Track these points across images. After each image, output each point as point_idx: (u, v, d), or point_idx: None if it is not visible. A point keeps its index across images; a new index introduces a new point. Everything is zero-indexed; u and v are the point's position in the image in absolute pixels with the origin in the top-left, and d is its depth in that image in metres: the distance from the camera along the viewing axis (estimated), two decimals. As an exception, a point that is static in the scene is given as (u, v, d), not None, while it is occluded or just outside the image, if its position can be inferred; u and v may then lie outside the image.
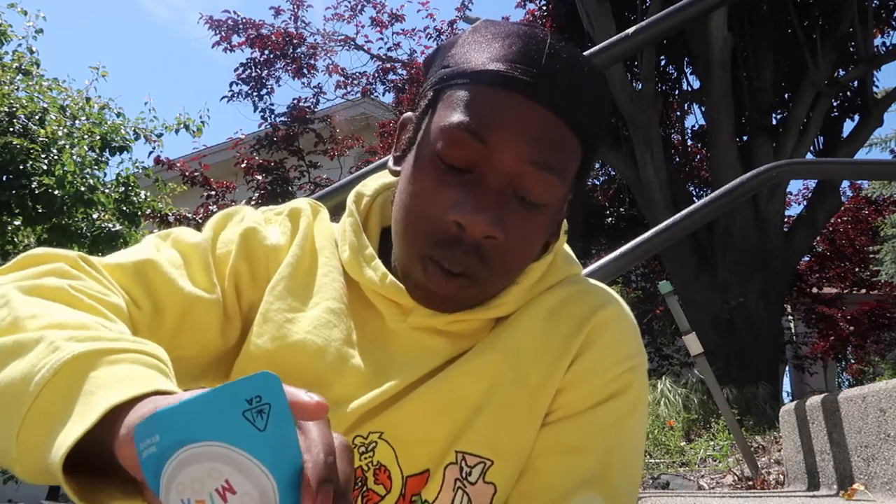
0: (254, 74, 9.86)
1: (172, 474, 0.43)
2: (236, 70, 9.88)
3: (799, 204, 10.73)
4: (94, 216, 7.38)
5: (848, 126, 7.57)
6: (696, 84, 8.05)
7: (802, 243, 7.18)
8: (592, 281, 0.87)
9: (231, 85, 9.89)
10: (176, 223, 7.51)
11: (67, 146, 7.29)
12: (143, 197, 7.96)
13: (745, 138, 7.25)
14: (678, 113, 8.88)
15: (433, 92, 0.75)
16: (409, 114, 0.81)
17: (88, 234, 7.30)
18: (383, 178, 0.88)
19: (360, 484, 0.75)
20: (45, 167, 6.97)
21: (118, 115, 8.26)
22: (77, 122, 7.76)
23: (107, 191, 7.63)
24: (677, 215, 2.46)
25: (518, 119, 0.70)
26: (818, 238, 9.32)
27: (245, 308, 0.79)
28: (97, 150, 7.80)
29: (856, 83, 7.36)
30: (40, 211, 6.97)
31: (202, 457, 0.43)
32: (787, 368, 10.09)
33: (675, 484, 3.16)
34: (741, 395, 5.24)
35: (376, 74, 10.96)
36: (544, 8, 8.51)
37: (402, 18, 10.91)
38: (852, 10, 6.48)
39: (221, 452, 0.43)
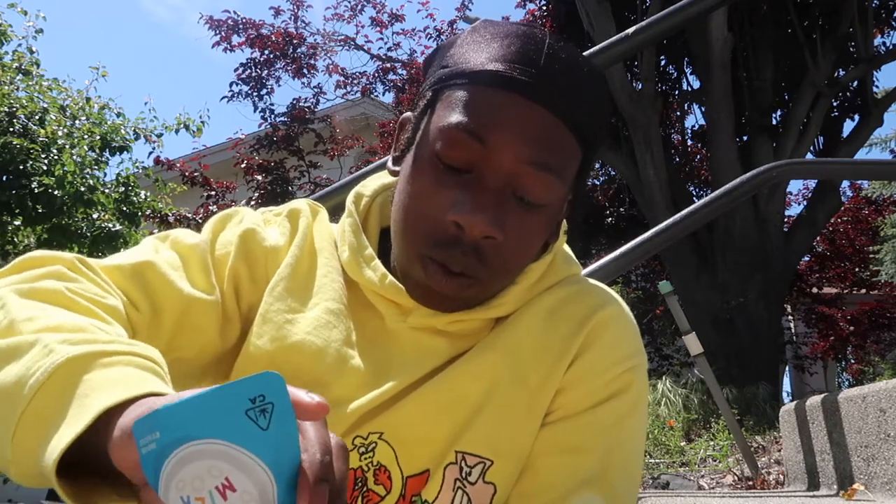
0: (254, 74, 9.86)
1: (172, 471, 0.43)
2: (236, 70, 9.89)
3: (799, 204, 10.74)
4: (94, 216, 7.37)
5: (848, 126, 7.58)
6: (696, 84, 8.06)
7: (802, 243, 7.18)
8: (592, 281, 0.87)
9: (231, 85, 9.90)
10: (176, 223, 7.51)
11: (67, 146, 7.29)
12: (143, 197, 7.95)
13: (745, 138, 7.25)
14: (678, 113, 8.89)
15: (432, 92, 0.75)
16: (408, 114, 0.81)
17: (88, 234, 7.29)
18: (382, 178, 0.88)
19: (360, 484, 0.75)
20: (45, 167, 6.96)
21: (118, 115, 8.25)
22: (77, 122, 7.76)
23: (107, 191, 7.63)
24: (677, 215, 2.46)
25: (517, 119, 0.70)
26: (818, 238, 9.32)
27: (244, 309, 0.79)
28: (97, 150, 7.80)
29: (856, 83, 7.36)
30: (40, 211, 6.96)
31: (203, 454, 0.43)
32: (787, 368, 10.09)
33: (675, 484, 3.16)
34: (741, 395, 5.24)
35: (376, 74, 10.96)
36: (544, 8, 8.51)
37: (402, 18, 10.92)
38: (852, 10, 6.48)
39: (222, 450, 0.43)
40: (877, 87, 7.65)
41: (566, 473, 0.76)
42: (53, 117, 7.56)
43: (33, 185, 6.83)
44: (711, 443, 3.84)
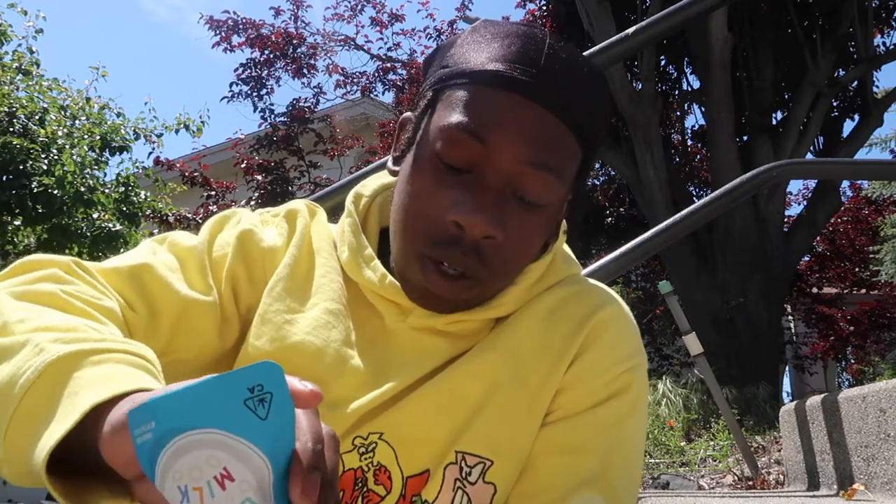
0: (254, 74, 9.86)
1: (169, 462, 0.43)
2: (236, 70, 9.89)
3: (799, 204, 10.74)
4: (94, 216, 7.38)
5: (848, 126, 7.59)
6: (696, 84, 8.06)
7: (802, 243, 7.18)
8: (592, 281, 0.87)
9: (231, 85, 9.90)
10: (176, 223, 7.51)
11: (67, 146, 7.30)
12: (143, 197, 7.96)
13: (745, 138, 7.25)
14: (678, 113, 8.89)
15: (432, 92, 0.75)
16: (408, 114, 0.81)
17: (88, 234, 7.30)
18: (382, 178, 0.88)
19: (360, 484, 0.75)
20: (45, 167, 6.97)
21: (118, 115, 8.26)
22: (77, 122, 7.76)
23: (107, 191, 7.64)
24: (677, 215, 2.46)
25: (517, 119, 0.70)
26: (818, 238, 9.32)
27: (243, 310, 0.79)
28: (97, 150, 7.80)
29: (856, 83, 7.36)
30: (40, 211, 6.97)
31: (200, 444, 0.43)
32: (787, 368, 10.09)
33: (675, 484, 3.16)
34: (741, 395, 5.24)
35: (376, 74, 10.96)
36: (544, 8, 8.51)
37: (402, 18, 10.92)
38: (852, 10, 6.48)
39: (220, 440, 0.43)
40: (877, 87, 7.66)
41: (566, 473, 0.76)
42: (53, 117, 7.56)
43: (33, 185, 6.84)
44: (711, 443, 3.84)
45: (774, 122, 7.36)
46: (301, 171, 8.25)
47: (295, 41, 10.06)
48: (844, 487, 1.99)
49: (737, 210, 6.13)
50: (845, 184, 10.08)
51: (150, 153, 9.07)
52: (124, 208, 7.73)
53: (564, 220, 0.83)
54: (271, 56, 9.93)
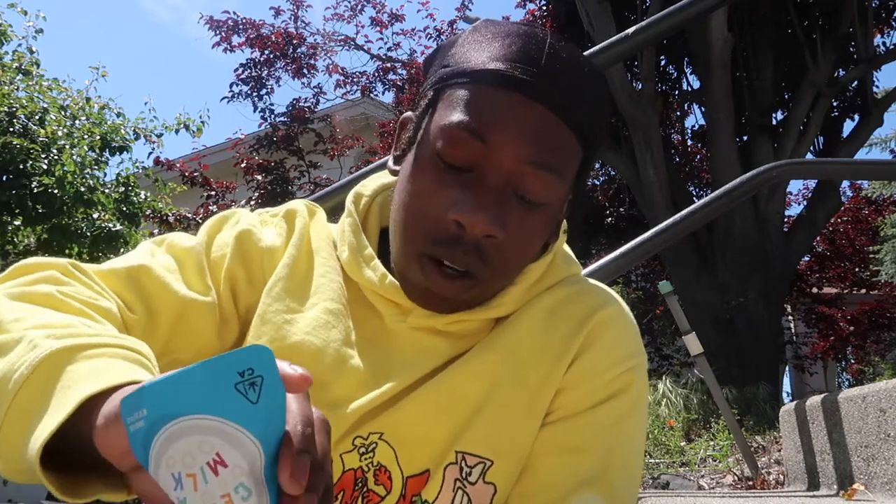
0: (254, 74, 9.86)
1: (161, 448, 0.43)
2: (236, 70, 9.89)
3: (799, 204, 10.74)
4: (94, 216, 7.37)
5: (848, 126, 7.59)
6: (696, 84, 8.06)
7: (802, 243, 7.18)
8: (592, 281, 0.87)
9: (231, 86, 9.89)
10: (176, 223, 7.51)
11: (67, 146, 7.29)
12: (143, 197, 7.95)
13: (745, 138, 7.25)
14: (678, 113, 8.89)
15: (433, 91, 0.75)
16: (409, 113, 0.81)
17: (88, 234, 7.29)
18: (382, 178, 0.88)
19: (360, 484, 0.75)
20: (45, 167, 6.97)
21: (118, 115, 8.26)
22: (77, 122, 7.76)
23: (107, 191, 7.63)
24: (677, 215, 2.46)
25: (518, 118, 0.70)
26: (818, 238, 9.32)
27: (242, 310, 0.79)
28: (97, 150, 7.80)
29: (856, 83, 7.36)
30: (40, 211, 6.97)
31: (192, 430, 0.43)
32: (787, 368, 10.09)
33: (675, 484, 3.16)
34: (741, 395, 5.24)
35: (376, 74, 10.95)
36: (544, 8, 8.51)
37: (402, 18, 10.91)
38: (852, 10, 6.49)
39: (212, 425, 0.43)
40: (877, 87, 7.66)
41: (566, 473, 0.76)
42: (53, 117, 7.56)
43: (33, 185, 6.83)
44: (711, 443, 3.84)
45: (774, 122, 7.36)
46: (301, 171, 8.25)
47: (295, 41, 10.06)
48: (844, 487, 1.99)
49: (737, 210, 6.13)
50: (845, 184, 10.09)
51: (150, 153, 9.07)
52: (124, 208, 7.73)
53: (565, 220, 0.83)
54: (271, 56, 9.93)
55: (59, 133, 7.31)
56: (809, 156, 7.06)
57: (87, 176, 7.48)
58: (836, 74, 7.12)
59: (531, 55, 0.71)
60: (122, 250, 7.21)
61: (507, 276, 0.78)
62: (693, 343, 2.98)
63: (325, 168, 8.39)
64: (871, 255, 8.17)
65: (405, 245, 0.75)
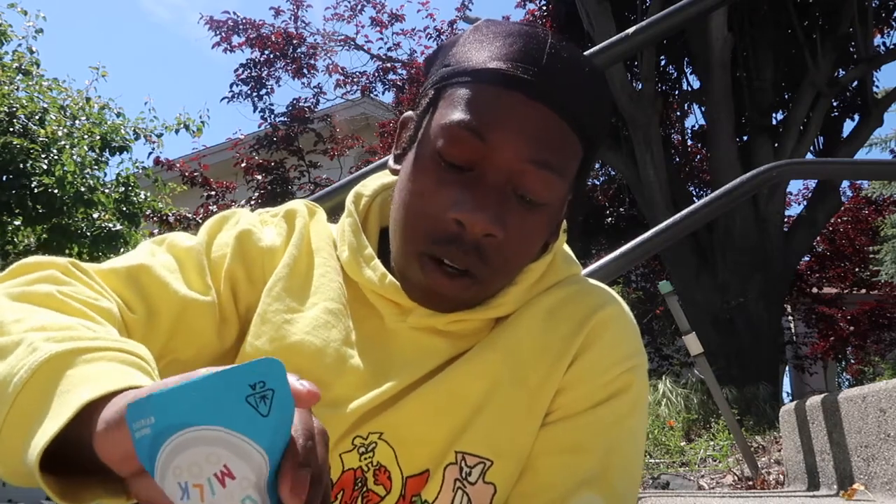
0: (253, 74, 9.86)
1: (169, 457, 0.43)
2: (236, 71, 9.89)
3: (799, 204, 10.73)
4: (94, 216, 7.38)
5: (848, 126, 7.58)
6: (696, 84, 8.05)
7: (802, 243, 7.18)
8: (592, 281, 0.87)
9: (231, 86, 9.89)
10: (176, 223, 7.51)
11: (67, 146, 7.30)
12: (143, 197, 7.96)
13: (745, 138, 7.25)
14: (678, 113, 8.88)
15: (434, 90, 0.75)
16: (409, 113, 0.81)
17: (88, 234, 7.30)
18: (382, 178, 0.88)
19: (360, 484, 0.75)
20: (45, 167, 6.97)
21: (118, 115, 8.27)
22: (77, 122, 7.77)
23: (107, 191, 7.64)
24: (677, 215, 2.46)
25: (518, 117, 0.70)
26: (818, 238, 9.32)
27: (242, 310, 0.79)
28: (97, 150, 7.81)
29: (856, 83, 7.36)
30: (40, 211, 6.97)
31: (200, 440, 0.43)
32: (787, 368, 10.10)
33: (675, 484, 3.16)
34: (741, 395, 5.24)
35: (376, 74, 10.95)
36: (544, 8, 8.51)
37: (402, 18, 10.91)
38: (852, 10, 6.48)
39: (221, 437, 0.43)
40: (877, 87, 7.66)
41: (566, 473, 0.76)
42: (53, 117, 7.57)
43: (33, 185, 6.84)
44: (711, 443, 3.84)
45: (774, 122, 7.35)
46: (301, 171, 8.26)
47: (295, 41, 10.06)
48: (844, 487, 1.99)
49: (737, 210, 6.13)
50: (845, 184, 10.09)
51: (150, 153, 9.08)
52: (124, 208, 7.74)
53: (565, 220, 0.83)
54: (271, 56, 9.93)
55: (59, 133, 7.32)
56: (809, 156, 7.06)
57: (87, 176, 7.49)
58: (836, 74, 7.12)
59: (532, 55, 0.71)
60: (122, 250, 7.22)
61: (507, 275, 0.78)
62: (693, 343, 2.98)
63: (325, 168, 8.39)
64: (871, 255, 8.18)
65: (405, 244, 0.75)
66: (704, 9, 2.23)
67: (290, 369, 0.73)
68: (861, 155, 7.23)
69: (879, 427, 1.89)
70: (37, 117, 7.35)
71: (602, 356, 0.79)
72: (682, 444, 4.10)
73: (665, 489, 3.10)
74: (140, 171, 8.27)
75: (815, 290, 10.11)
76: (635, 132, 6.77)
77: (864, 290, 10.21)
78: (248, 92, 9.85)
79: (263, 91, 9.86)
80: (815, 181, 7.62)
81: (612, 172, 9.11)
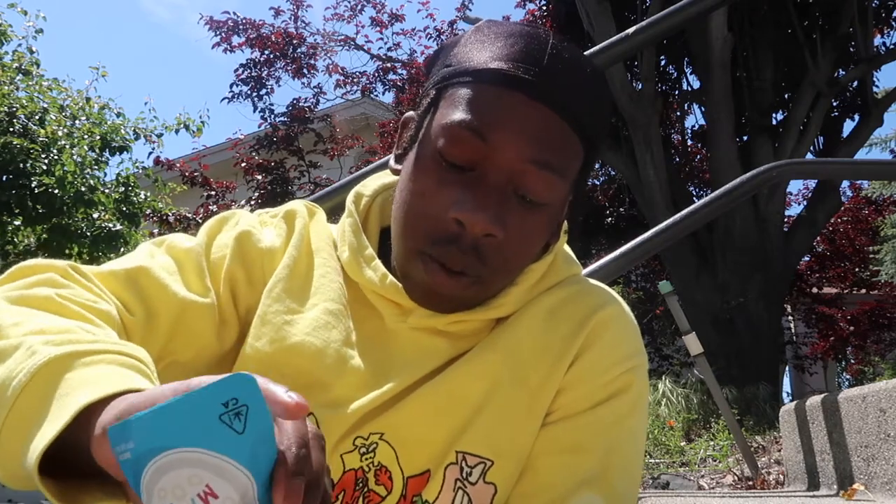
0: (253, 75, 9.86)
1: (152, 480, 0.43)
2: (236, 71, 9.89)
3: (799, 204, 10.74)
4: (95, 216, 7.38)
5: (848, 126, 7.58)
6: (696, 84, 8.05)
7: (802, 243, 7.18)
8: (592, 281, 0.87)
9: (231, 86, 9.89)
10: (176, 223, 7.52)
11: (67, 146, 7.30)
12: (143, 197, 7.96)
13: (745, 138, 7.25)
14: (678, 113, 8.88)
15: (435, 90, 0.75)
16: (410, 113, 0.81)
17: (88, 234, 7.30)
18: (383, 178, 0.88)
19: (361, 485, 0.75)
20: (45, 167, 6.97)
21: (118, 115, 8.27)
22: (77, 122, 7.77)
23: (107, 191, 7.64)
24: (677, 215, 2.46)
25: (519, 118, 0.70)
26: (818, 238, 9.32)
27: (242, 312, 0.79)
28: (97, 150, 7.81)
29: (856, 83, 7.36)
30: (40, 211, 6.97)
31: (181, 463, 0.43)
32: (787, 368, 10.10)
33: (675, 484, 3.16)
34: (741, 395, 5.24)
35: (376, 74, 10.96)
36: (544, 8, 8.51)
37: (402, 18, 10.92)
38: (852, 10, 6.48)
39: (200, 458, 0.43)
40: (877, 87, 7.65)
41: (566, 473, 0.76)
42: (53, 117, 7.57)
43: (33, 185, 6.84)
44: (711, 443, 3.84)
45: (774, 122, 7.35)
46: (301, 171, 8.26)
47: (295, 41, 10.06)
48: (844, 487, 1.99)
49: (737, 210, 6.13)
50: (845, 184, 10.09)
51: (150, 153, 9.08)
52: (124, 208, 7.74)
53: (565, 221, 0.83)
54: (271, 56, 9.93)
55: (59, 133, 7.32)
56: (809, 156, 7.06)
57: (87, 176, 7.49)
58: (836, 74, 7.12)
59: (533, 55, 0.71)
60: (122, 250, 7.22)
61: (508, 275, 0.78)
62: (693, 343, 2.98)
63: (325, 168, 8.39)
64: (871, 255, 8.18)
65: (406, 243, 0.75)
66: (704, 9, 2.23)
67: (290, 370, 0.74)
68: (861, 155, 7.24)
69: (879, 427, 1.89)
70: (37, 117, 7.35)
71: (602, 356, 0.79)
72: (682, 444, 4.10)
73: (665, 489, 3.10)
74: (140, 171, 8.27)
75: (815, 290, 10.12)
76: (635, 132, 6.77)
77: (864, 290, 10.22)
78: (248, 92, 9.86)
79: (263, 91, 9.87)
80: (815, 181, 7.62)
81: (612, 172, 9.11)
